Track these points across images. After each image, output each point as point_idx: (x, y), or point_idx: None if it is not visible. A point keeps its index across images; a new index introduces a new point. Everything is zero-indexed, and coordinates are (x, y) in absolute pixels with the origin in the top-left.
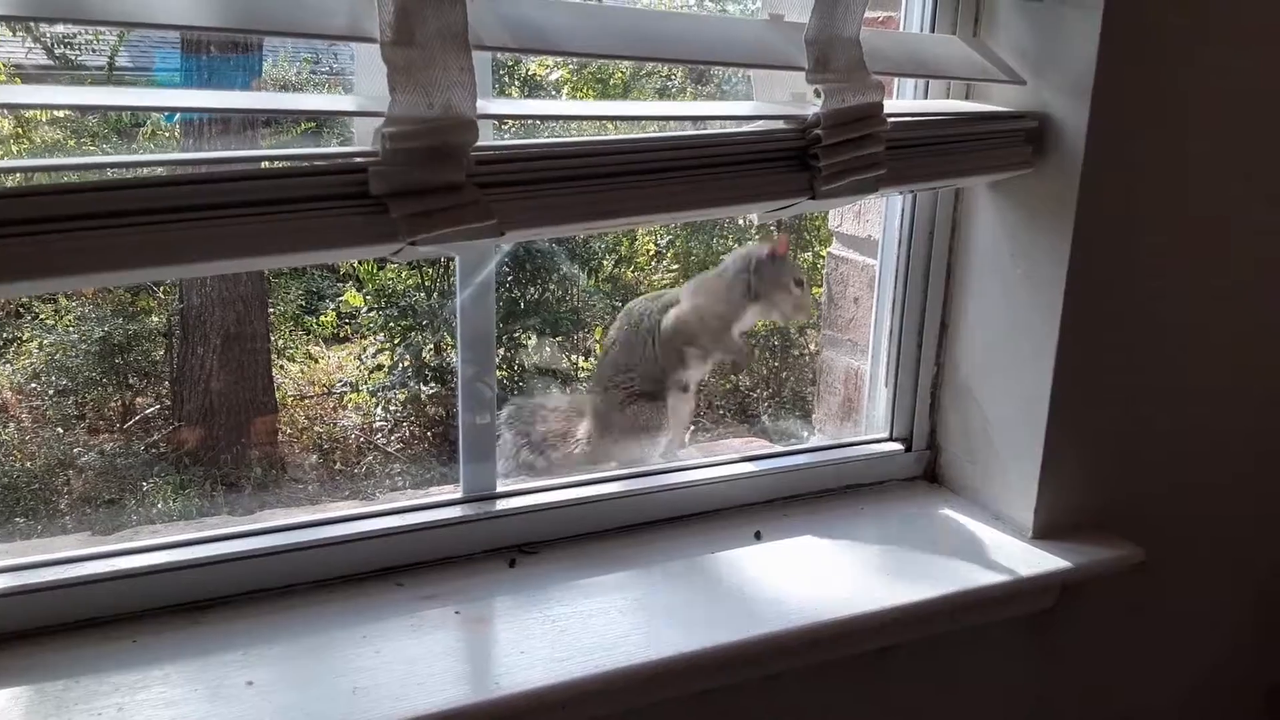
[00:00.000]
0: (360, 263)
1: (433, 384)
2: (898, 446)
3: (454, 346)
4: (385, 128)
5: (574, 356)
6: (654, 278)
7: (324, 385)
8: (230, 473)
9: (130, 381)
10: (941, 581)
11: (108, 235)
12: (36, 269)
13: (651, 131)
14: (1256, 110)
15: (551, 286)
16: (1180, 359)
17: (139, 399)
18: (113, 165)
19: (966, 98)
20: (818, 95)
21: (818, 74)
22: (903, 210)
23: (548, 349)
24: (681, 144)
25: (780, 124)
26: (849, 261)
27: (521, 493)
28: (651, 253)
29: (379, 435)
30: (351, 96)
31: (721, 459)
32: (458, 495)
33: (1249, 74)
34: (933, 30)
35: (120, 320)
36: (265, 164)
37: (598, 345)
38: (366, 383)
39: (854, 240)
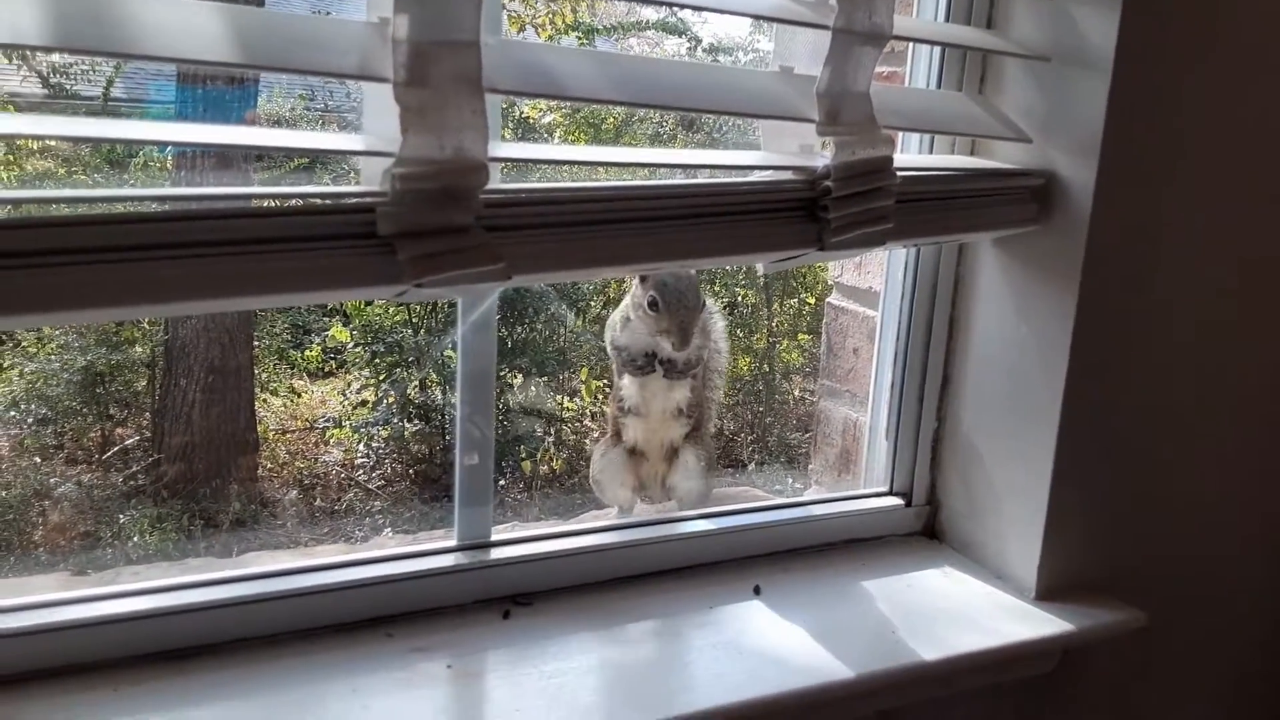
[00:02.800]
0: None
1: (417, 421)
2: (898, 501)
3: (440, 384)
4: (395, 168)
5: (559, 397)
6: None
7: (306, 420)
8: (209, 507)
9: (111, 412)
10: (944, 644)
11: (101, 270)
12: (25, 303)
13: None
14: (1264, 167)
15: (539, 326)
16: (1187, 419)
17: (119, 430)
18: (107, 199)
19: (972, 153)
20: (825, 147)
21: (828, 126)
22: (906, 263)
23: (534, 388)
24: (692, 191)
25: (789, 175)
26: (849, 312)
27: (516, 541)
28: None
29: (360, 472)
30: (361, 136)
31: (721, 510)
32: (451, 543)
33: (1257, 132)
34: (939, 87)
35: (104, 349)
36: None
37: (583, 386)
38: (350, 418)
39: (854, 291)
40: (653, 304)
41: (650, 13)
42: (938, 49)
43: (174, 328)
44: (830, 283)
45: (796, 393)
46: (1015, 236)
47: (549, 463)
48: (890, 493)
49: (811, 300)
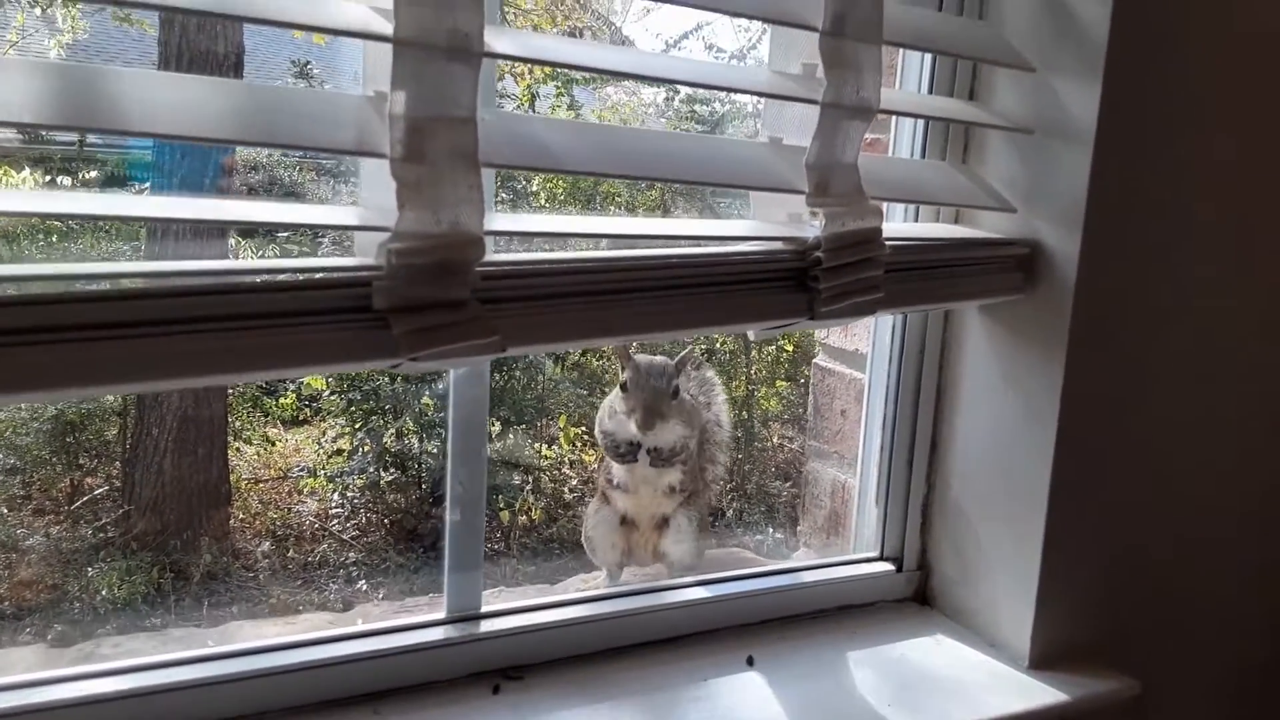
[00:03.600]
0: None
1: (393, 470)
2: (889, 567)
3: (416, 432)
4: (391, 243)
5: (537, 445)
6: (618, 365)
7: (280, 469)
8: (179, 560)
9: (81, 461)
10: (941, 717)
11: (86, 349)
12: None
13: (641, 248)
14: (1249, 234)
15: (517, 374)
16: (1178, 483)
17: (89, 480)
18: (88, 277)
19: (956, 222)
20: (814, 215)
21: (818, 198)
22: (894, 328)
23: (511, 438)
24: (685, 262)
25: (779, 245)
26: (836, 374)
27: (508, 612)
28: None
29: (335, 522)
30: (356, 209)
31: (714, 577)
32: (440, 615)
33: (1241, 199)
34: (923, 155)
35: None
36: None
37: (561, 434)
38: (325, 467)
39: (841, 353)
40: (623, 385)
41: None
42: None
43: None
44: (818, 342)
45: (775, 439)
46: (1001, 304)
47: (527, 512)
48: (881, 558)
49: (790, 347)
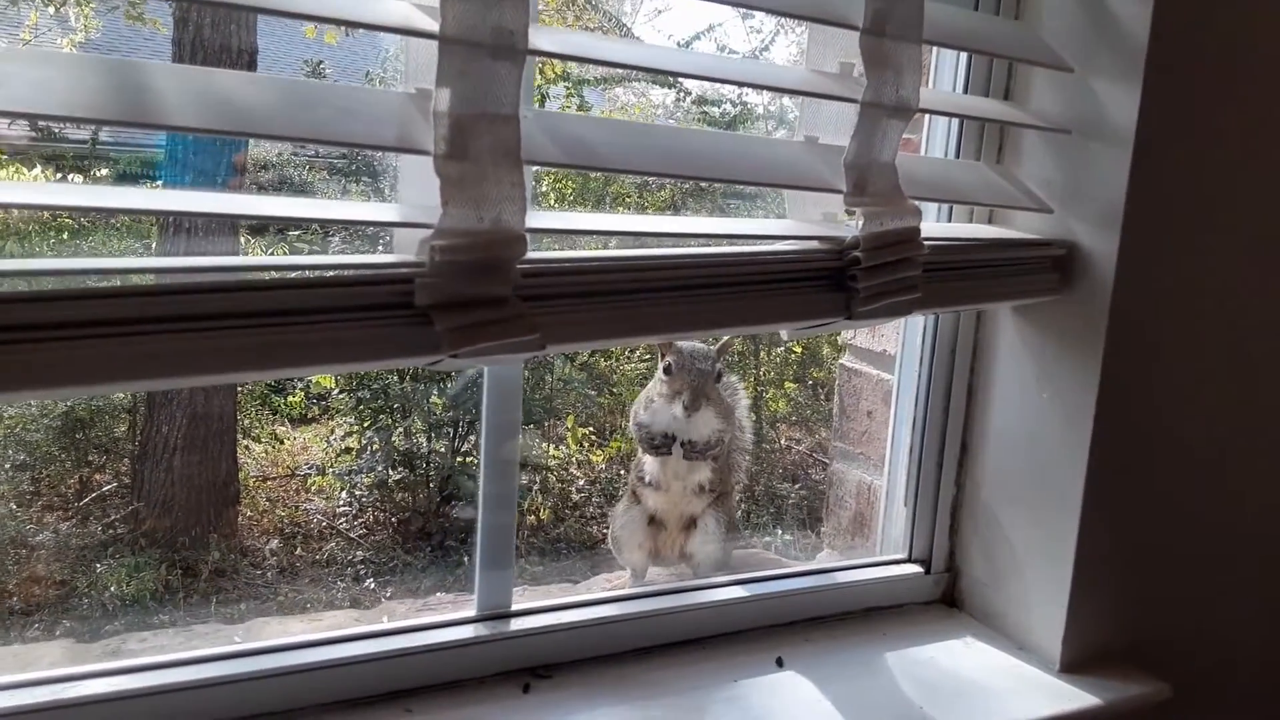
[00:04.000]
0: None
1: (401, 469)
2: (917, 569)
3: (425, 431)
4: (434, 240)
5: (545, 445)
6: (626, 367)
7: (288, 467)
8: (188, 556)
9: (90, 458)
10: None
11: (138, 343)
12: (68, 375)
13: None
14: None
15: (525, 373)
16: (1214, 486)
17: (97, 476)
18: (130, 271)
19: (989, 222)
20: (849, 214)
21: (856, 197)
22: (925, 328)
23: (520, 437)
24: (723, 261)
25: (816, 244)
26: (862, 374)
27: (538, 611)
28: None
29: (342, 520)
30: (397, 206)
31: (743, 578)
32: (470, 613)
33: None
34: (957, 155)
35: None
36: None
37: (569, 434)
38: (333, 465)
39: (868, 354)
40: (667, 369)
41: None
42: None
43: None
44: (844, 344)
45: (783, 441)
46: (1035, 305)
47: (536, 512)
48: (910, 559)
49: (798, 349)
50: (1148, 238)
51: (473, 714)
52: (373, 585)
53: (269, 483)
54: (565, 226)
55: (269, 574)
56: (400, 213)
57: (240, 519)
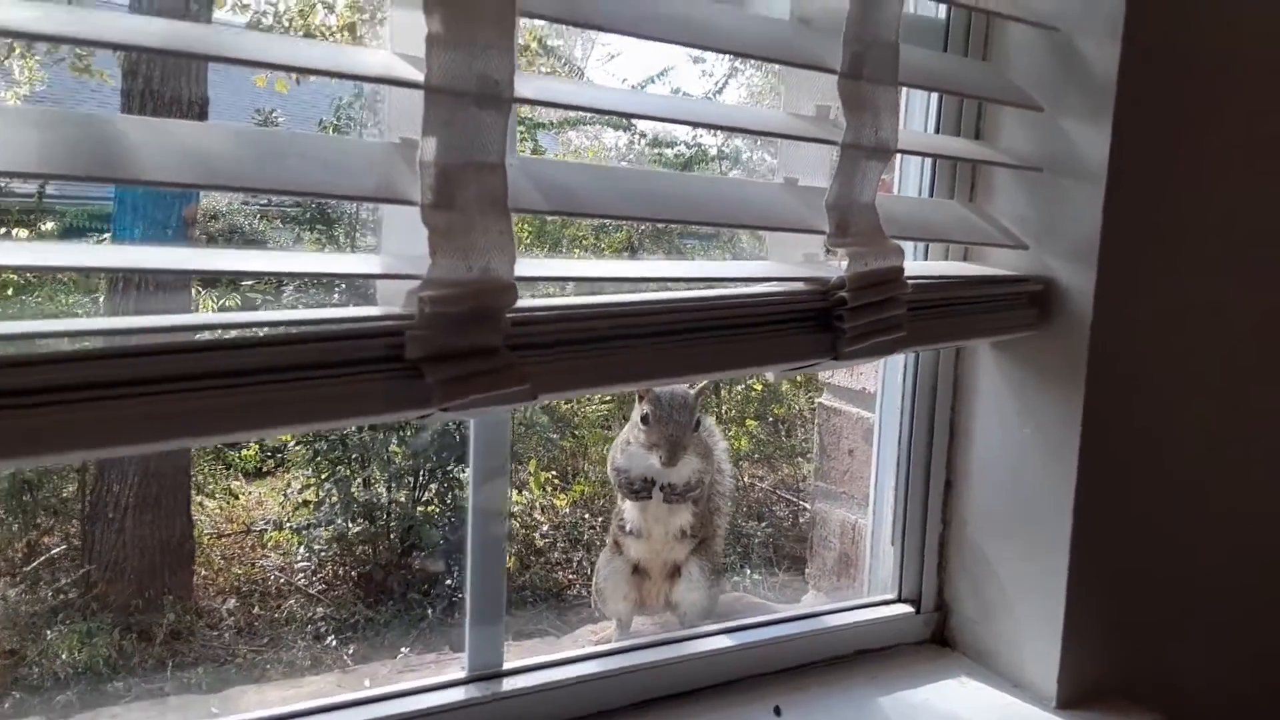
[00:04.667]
0: None
1: (361, 521)
2: (907, 608)
3: (384, 481)
4: (424, 291)
5: (509, 490)
6: (588, 409)
7: (243, 523)
8: (142, 620)
9: (38, 520)
10: None
11: (103, 408)
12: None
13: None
14: (1265, 268)
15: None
16: (1204, 514)
17: (46, 539)
18: (71, 334)
19: (964, 260)
20: (829, 254)
21: (839, 238)
22: (905, 365)
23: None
24: (709, 305)
25: (800, 285)
26: (842, 413)
27: (530, 669)
28: None
29: (300, 576)
30: (381, 257)
31: (732, 625)
32: (460, 674)
33: (1255, 227)
34: (930, 194)
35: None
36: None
37: (531, 479)
38: (291, 519)
39: (847, 392)
40: (644, 418)
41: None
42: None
43: None
44: (822, 383)
45: (746, 479)
46: (1015, 340)
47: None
48: (899, 599)
49: (759, 387)
50: (1123, 270)
51: None
52: (334, 643)
53: (223, 540)
54: (552, 274)
55: (226, 635)
56: (386, 264)
57: (195, 578)
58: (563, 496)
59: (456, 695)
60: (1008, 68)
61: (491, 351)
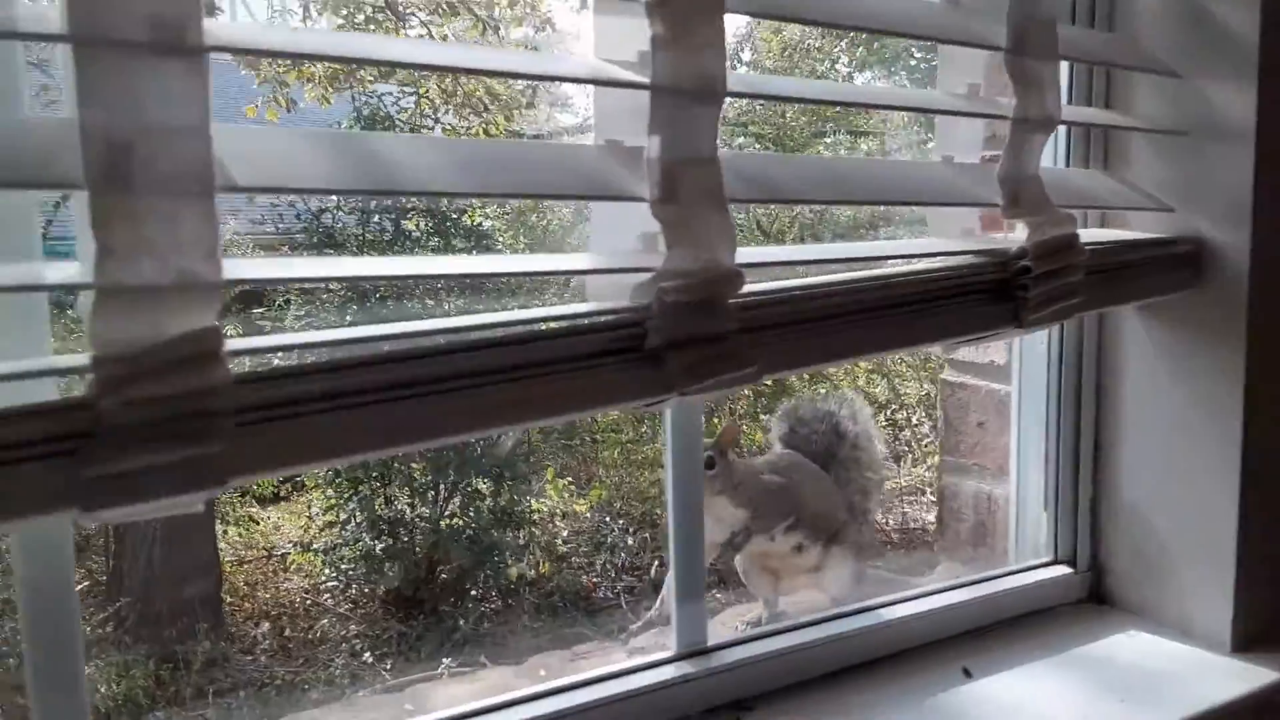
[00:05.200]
0: None
1: (386, 538)
2: (1065, 569)
3: (408, 498)
4: (661, 282)
5: (529, 499)
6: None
7: (263, 549)
8: (176, 649)
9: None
10: (1172, 708)
11: (370, 412)
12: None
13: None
14: None
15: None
16: None
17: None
18: (385, 338)
19: (1101, 226)
20: (1010, 227)
21: (1013, 209)
22: (1050, 335)
23: (505, 492)
24: (910, 281)
25: (972, 259)
26: (969, 387)
27: (735, 643)
28: None
29: (327, 596)
30: (623, 253)
31: (915, 593)
32: (669, 653)
33: None
34: (1068, 165)
35: None
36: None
37: (549, 487)
38: (318, 540)
39: (974, 366)
40: None
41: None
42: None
43: None
44: (941, 361)
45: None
46: (1163, 302)
47: (536, 567)
48: (1055, 561)
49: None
50: (1277, 227)
51: None
52: (370, 659)
53: (246, 566)
54: (772, 259)
55: (262, 658)
56: (628, 260)
57: (223, 605)
58: (582, 501)
59: (669, 673)
60: (1137, 36)
61: (721, 337)
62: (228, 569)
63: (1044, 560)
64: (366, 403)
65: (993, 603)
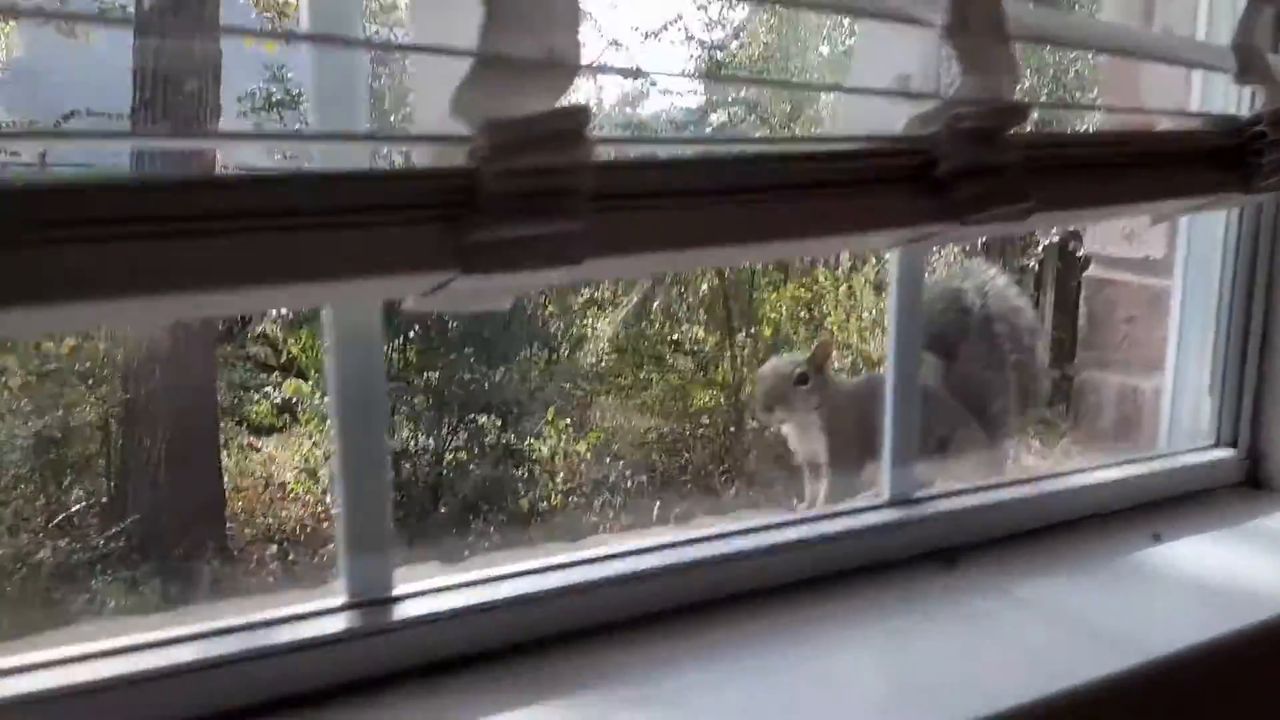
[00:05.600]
0: (302, 350)
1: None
2: (1229, 452)
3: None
4: (952, 110)
5: (531, 440)
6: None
7: (262, 477)
8: (183, 566)
9: (70, 478)
10: None
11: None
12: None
13: None
14: None
15: (513, 368)
16: None
17: (74, 495)
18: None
19: None
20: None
21: (1246, 76)
22: (1227, 224)
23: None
24: (1149, 137)
25: (1198, 124)
26: (1117, 283)
27: (941, 496)
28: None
29: (326, 525)
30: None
31: (1099, 464)
32: (884, 499)
33: None
34: None
35: (59, 413)
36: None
37: (549, 427)
38: (324, 468)
39: (1124, 262)
40: None
41: None
42: None
43: (134, 388)
44: (1087, 256)
45: None
46: None
47: (549, 500)
48: (1217, 445)
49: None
50: None
51: (890, 593)
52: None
53: (243, 493)
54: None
55: (269, 580)
56: (910, 83)
57: (228, 529)
58: (581, 443)
59: (877, 517)
60: None
61: (1002, 169)
62: (230, 496)
63: (1206, 443)
64: (702, 206)
65: (1162, 479)
